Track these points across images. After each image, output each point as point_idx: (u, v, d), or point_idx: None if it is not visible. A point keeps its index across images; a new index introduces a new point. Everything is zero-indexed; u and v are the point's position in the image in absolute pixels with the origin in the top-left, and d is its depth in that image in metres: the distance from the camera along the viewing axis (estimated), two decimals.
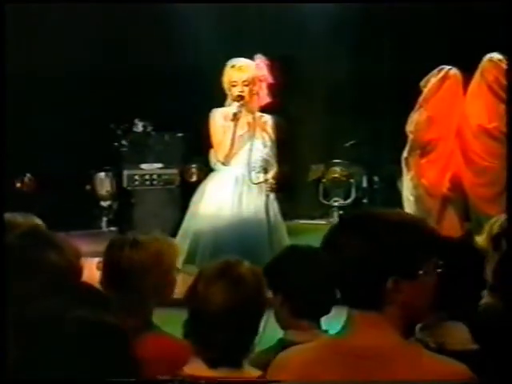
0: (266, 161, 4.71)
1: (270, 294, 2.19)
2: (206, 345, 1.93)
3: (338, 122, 7.76)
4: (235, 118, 4.56)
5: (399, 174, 5.83)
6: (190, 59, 7.09)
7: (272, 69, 4.76)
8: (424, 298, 1.59)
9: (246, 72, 4.62)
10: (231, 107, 4.62)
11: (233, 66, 4.65)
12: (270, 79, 4.75)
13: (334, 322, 2.04)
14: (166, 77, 7.14)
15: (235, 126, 4.59)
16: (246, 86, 4.61)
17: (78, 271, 2.07)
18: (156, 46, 7.04)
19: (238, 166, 4.66)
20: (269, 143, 4.73)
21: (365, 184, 7.56)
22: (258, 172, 4.68)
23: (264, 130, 4.74)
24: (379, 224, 1.58)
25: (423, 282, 1.57)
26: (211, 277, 1.98)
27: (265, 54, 4.78)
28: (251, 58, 4.75)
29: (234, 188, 4.64)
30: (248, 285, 1.97)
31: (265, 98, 4.75)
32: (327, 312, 2.29)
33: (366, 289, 1.56)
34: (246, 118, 4.65)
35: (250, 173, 4.60)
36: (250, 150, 4.59)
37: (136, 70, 7.03)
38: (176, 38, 7.10)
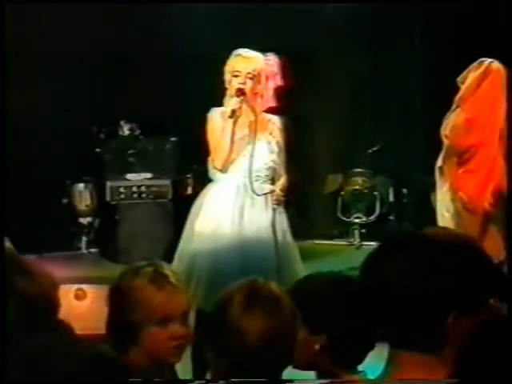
0: (272, 169, 4.69)
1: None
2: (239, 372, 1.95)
3: (358, 124, 7.78)
4: (233, 115, 4.54)
5: (432, 186, 5.81)
6: (186, 50, 7.11)
7: (284, 69, 4.76)
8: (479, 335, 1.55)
9: (252, 63, 4.62)
10: (230, 103, 4.62)
11: (239, 55, 4.65)
12: (279, 80, 4.74)
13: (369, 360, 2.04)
14: (157, 71, 7.16)
15: (234, 125, 4.58)
16: (250, 79, 4.60)
17: (55, 304, 2.06)
18: (145, 33, 7.07)
19: (239, 174, 4.65)
20: (276, 149, 4.71)
21: (391, 197, 7.57)
22: (263, 182, 4.66)
23: (271, 132, 4.73)
24: (436, 247, 1.54)
25: (482, 316, 1.55)
26: (243, 302, 2.00)
27: (276, 52, 4.78)
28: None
29: (234, 201, 4.61)
30: (285, 308, 1.99)
31: (269, 101, 4.74)
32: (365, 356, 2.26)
33: (419, 328, 1.52)
34: (247, 117, 4.64)
35: (252, 183, 4.59)
36: (252, 155, 4.58)
37: (121, 62, 7.04)
38: (169, 25, 7.13)
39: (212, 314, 2.04)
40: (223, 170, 4.63)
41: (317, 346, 2.23)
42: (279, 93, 4.76)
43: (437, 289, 1.51)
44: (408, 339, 1.54)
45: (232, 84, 4.61)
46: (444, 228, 1.66)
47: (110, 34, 6.92)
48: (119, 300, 2.38)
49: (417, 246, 1.55)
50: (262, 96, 4.68)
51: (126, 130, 7.05)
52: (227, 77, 4.65)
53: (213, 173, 4.75)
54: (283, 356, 2.00)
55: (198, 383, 1.93)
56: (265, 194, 4.61)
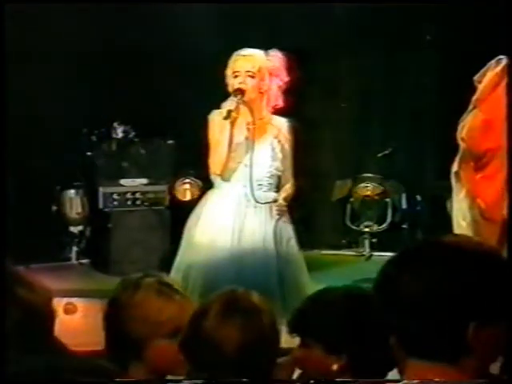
0: (275, 177, 4.69)
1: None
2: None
3: (369, 126, 7.77)
4: (229, 115, 4.54)
5: (448, 193, 5.80)
6: (185, 50, 7.10)
7: (289, 65, 4.75)
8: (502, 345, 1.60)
9: (252, 61, 4.63)
10: (226, 104, 4.62)
11: (238, 55, 4.68)
12: (284, 77, 4.74)
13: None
14: (153, 70, 7.15)
15: (232, 128, 4.58)
16: (251, 77, 4.60)
17: (50, 318, 2.05)
18: (141, 30, 7.08)
19: (240, 183, 4.64)
20: (280, 155, 4.71)
21: (404, 205, 7.55)
22: (267, 190, 4.66)
23: (276, 136, 4.72)
24: (456, 255, 1.58)
25: (504, 326, 1.58)
26: (220, 312, 2.01)
27: (280, 48, 4.79)
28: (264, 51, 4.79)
29: (235, 210, 4.62)
30: (265, 320, 2.00)
31: (275, 101, 4.74)
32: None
33: (438, 339, 1.56)
34: (247, 119, 4.64)
35: (253, 191, 4.58)
36: (251, 164, 4.57)
37: (115, 60, 7.04)
38: (166, 24, 7.13)
39: (188, 325, 2.04)
40: (224, 177, 4.63)
41: (335, 366, 2.23)
42: (285, 90, 4.76)
43: (457, 298, 1.55)
44: (427, 349, 1.57)
45: (232, 85, 4.62)
46: (463, 235, 1.70)
47: (104, 33, 6.94)
48: (119, 315, 2.37)
49: (436, 254, 1.59)
50: (267, 95, 4.68)
51: (119, 132, 7.03)
52: (229, 79, 4.66)
53: (212, 178, 4.75)
54: (261, 369, 1.98)
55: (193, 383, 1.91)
56: (267, 202, 4.60)
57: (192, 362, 2.00)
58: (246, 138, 4.63)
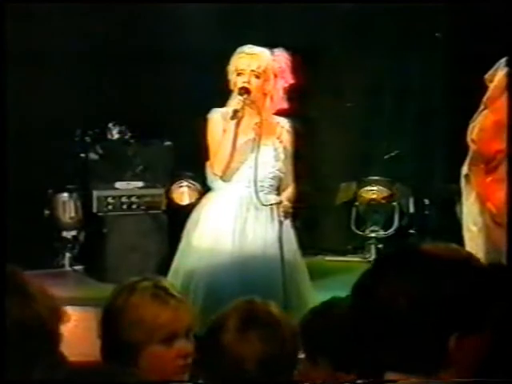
0: (277, 178, 4.69)
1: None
2: None
3: (375, 127, 7.78)
4: (235, 115, 4.54)
5: (457, 196, 5.80)
6: (183, 47, 7.11)
7: (294, 66, 4.75)
8: (485, 354, 1.59)
9: (257, 59, 4.63)
10: (232, 103, 4.62)
11: (242, 52, 4.67)
12: (290, 78, 4.74)
13: None
14: (150, 68, 7.16)
15: (236, 128, 4.59)
16: (256, 77, 4.60)
17: (55, 330, 2.05)
18: (138, 28, 7.10)
19: (241, 183, 4.65)
20: (282, 155, 4.71)
21: (412, 209, 7.56)
22: (268, 193, 4.66)
23: (278, 137, 4.73)
24: (438, 262, 1.57)
25: (488, 335, 1.57)
26: (238, 324, 2.02)
27: (285, 47, 4.79)
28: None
29: (236, 213, 4.62)
30: (286, 331, 2.02)
31: (279, 103, 4.74)
32: None
33: (417, 352, 1.55)
34: (252, 120, 4.64)
35: (258, 193, 4.59)
36: (257, 162, 4.58)
37: (110, 58, 7.05)
38: (164, 21, 7.14)
39: (205, 338, 2.04)
40: (225, 179, 4.63)
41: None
42: (290, 92, 4.76)
43: (438, 308, 1.54)
44: (405, 362, 1.56)
45: (236, 84, 4.62)
46: (442, 244, 1.69)
47: (99, 30, 6.96)
48: (114, 320, 2.38)
49: (420, 261, 1.58)
50: (271, 97, 4.68)
51: (115, 133, 7.05)
52: (231, 77, 4.66)
53: (211, 180, 4.75)
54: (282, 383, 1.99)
55: None
56: (271, 204, 4.61)
57: (209, 376, 2.00)
58: (250, 139, 4.63)
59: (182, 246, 4.76)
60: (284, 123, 4.76)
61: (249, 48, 4.67)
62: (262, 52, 4.67)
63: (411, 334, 1.54)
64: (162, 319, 2.32)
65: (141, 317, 2.33)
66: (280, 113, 4.78)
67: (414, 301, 1.54)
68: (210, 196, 4.79)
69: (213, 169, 4.66)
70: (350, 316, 1.66)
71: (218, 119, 4.67)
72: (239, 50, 4.68)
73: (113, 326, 2.38)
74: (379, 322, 1.57)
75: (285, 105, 4.74)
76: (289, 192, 4.73)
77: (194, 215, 4.78)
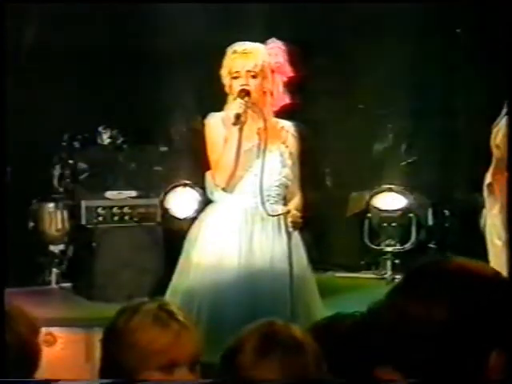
0: (284, 186, 4.69)
1: None
2: None
3: (389, 130, 7.78)
4: (238, 120, 4.53)
5: (480, 207, 5.80)
6: (178, 47, 7.14)
7: (292, 58, 4.75)
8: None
9: (252, 58, 4.61)
10: (232, 107, 4.62)
11: (234, 52, 4.64)
12: (289, 71, 4.74)
13: None
14: (143, 69, 7.18)
15: (240, 134, 4.58)
16: (253, 77, 4.60)
17: (34, 355, 2.05)
18: (128, 25, 7.12)
19: (246, 193, 4.64)
20: (289, 161, 4.71)
21: (430, 221, 7.56)
22: (275, 202, 4.66)
23: (283, 141, 4.73)
24: (473, 277, 1.61)
25: None
26: (257, 347, 2.02)
27: (281, 38, 4.79)
28: (262, 42, 4.75)
29: (241, 226, 4.61)
30: (309, 355, 2.02)
31: (281, 99, 4.73)
32: None
33: (456, 369, 1.57)
34: (255, 124, 4.63)
35: (264, 202, 4.59)
36: (263, 170, 4.58)
37: (101, 58, 7.07)
38: (158, 20, 7.16)
39: (220, 363, 2.05)
40: (228, 190, 4.62)
41: None
42: (291, 87, 4.75)
43: (479, 324, 1.57)
44: (436, 380, 1.59)
45: (233, 87, 4.61)
46: (463, 259, 1.73)
47: (88, 30, 7.00)
48: (113, 341, 2.39)
49: (449, 277, 1.61)
50: (271, 94, 4.68)
51: (105, 137, 7.07)
52: (226, 80, 4.65)
53: (212, 191, 4.75)
54: None
55: None
56: (279, 214, 4.60)
57: None
58: (255, 145, 4.63)
59: (181, 262, 4.75)
60: (289, 127, 4.76)
61: (241, 46, 4.64)
62: (256, 49, 4.65)
63: (451, 352, 1.57)
64: (159, 344, 2.32)
65: (137, 340, 2.34)
66: (283, 111, 4.77)
67: (455, 318, 1.56)
68: (211, 208, 4.78)
69: (215, 180, 4.65)
70: (377, 335, 1.68)
71: (216, 124, 4.66)
72: (231, 49, 4.66)
73: (111, 347, 2.40)
74: (413, 341, 1.59)
75: (287, 100, 4.74)
76: (296, 201, 4.73)
77: (194, 229, 4.77)
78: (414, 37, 7.53)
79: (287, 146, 4.72)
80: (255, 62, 4.59)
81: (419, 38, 7.52)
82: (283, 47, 4.74)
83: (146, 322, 2.36)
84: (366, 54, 7.56)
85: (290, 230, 4.61)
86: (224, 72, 4.65)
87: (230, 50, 4.65)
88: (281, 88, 4.71)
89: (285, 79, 4.74)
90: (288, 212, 4.62)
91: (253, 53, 4.62)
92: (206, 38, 6.88)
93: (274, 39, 4.75)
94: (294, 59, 4.75)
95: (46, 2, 6.63)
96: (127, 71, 7.11)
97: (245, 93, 4.55)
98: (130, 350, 2.33)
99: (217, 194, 4.71)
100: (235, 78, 4.59)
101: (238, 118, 4.52)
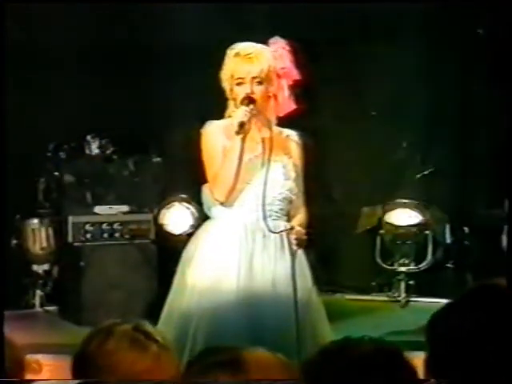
0: (287, 200, 4.68)
1: None
2: None
3: (403, 139, 7.77)
4: (242, 130, 4.51)
5: (502, 224, 5.79)
6: (173, 47, 7.15)
7: (297, 59, 4.74)
8: None
9: (257, 63, 4.59)
10: (236, 114, 4.60)
11: (237, 55, 4.63)
12: (295, 74, 4.73)
13: None
14: (135, 72, 7.18)
15: (242, 144, 4.57)
16: (259, 84, 4.59)
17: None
18: (119, 27, 7.15)
19: (246, 208, 4.63)
20: (292, 173, 4.70)
21: (448, 238, 7.55)
22: (278, 218, 4.65)
23: (287, 152, 4.72)
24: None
25: None
26: None
27: (285, 36, 4.77)
28: (265, 42, 4.73)
29: (241, 244, 4.60)
30: None
31: (287, 104, 4.71)
32: None
33: None
34: (258, 133, 4.63)
35: (266, 218, 4.57)
36: (266, 183, 4.57)
37: (88, 60, 7.09)
38: (152, 22, 7.20)
39: None
40: (227, 204, 4.61)
41: None
42: (297, 90, 4.73)
43: None
44: None
45: (235, 92, 4.60)
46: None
47: (76, 32, 7.04)
48: (85, 367, 2.40)
49: (499, 299, 1.76)
50: (276, 99, 4.67)
51: (94, 147, 7.06)
52: (226, 84, 4.63)
53: (209, 206, 4.73)
54: None
55: None
56: (282, 231, 4.59)
57: None
58: (257, 155, 4.62)
59: (176, 283, 4.74)
60: (293, 135, 4.75)
61: (244, 49, 4.61)
62: (261, 52, 4.63)
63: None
64: (139, 367, 2.35)
65: (115, 364, 2.36)
66: (289, 117, 4.75)
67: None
68: (208, 224, 4.77)
69: (213, 194, 4.64)
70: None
71: (215, 133, 4.64)
72: (232, 50, 4.64)
73: (84, 374, 2.40)
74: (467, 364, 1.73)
75: (293, 106, 4.72)
76: (301, 216, 4.71)
77: (190, 246, 4.76)
78: (431, 41, 7.54)
79: (291, 157, 4.71)
80: (261, 67, 4.57)
81: (435, 42, 7.53)
82: (287, 47, 4.72)
83: (122, 345, 2.38)
84: (380, 54, 7.58)
85: (294, 248, 4.59)
86: (224, 75, 4.63)
87: (230, 52, 4.62)
88: (286, 92, 4.70)
89: (290, 82, 4.73)
90: (292, 229, 4.61)
91: (257, 57, 4.60)
92: (204, 39, 6.89)
93: (277, 38, 4.73)
94: (299, 61, 4.74)
95: (45, 2, 6.67)
96: (117, 74, 7.14)
97: (249, 100, 4.54)
98: (107, 375, 2.33)
99: (215, 210, 4.70)
100: (239, 84, 4.58)
101: (241, 127, 4.50)
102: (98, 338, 2.42)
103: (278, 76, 4.67)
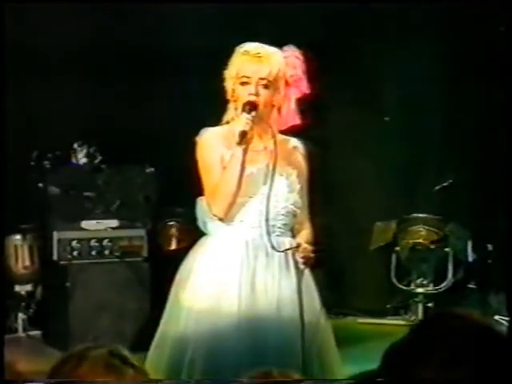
0: (291, 215, 4.65)
1: None
2: None
3: (419, 149, 7.80)
4: (243, 140, 4.49)
5: None
6: (169, 51, 7.21)
7: (310, 71, 4.69)
8: None
9: (267, 64, 4.57)
10: (236, 122, 4.57)
11: (246, 52, 4.60)
12: (305, 87, 4.69)
13: None
14: (127, 77, 7.23)
15: (244, 155, 4.54)
16: (265, 87, 4.56)
17: None
18: (113, 32, 7.20)
19: (247, 224, 4.59)
20: (297, 185, 4.68)
21: (470, 256, 7.56)
22: (281, 234, 4.62)
23: (291, 163, 4.69)
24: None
25: None
26: None
27: (297, 45, 4.73)
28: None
29: (242, 262, 4.57)
30: None
31: (291, 118, 4.70)
32: None
33: None
34: (260, 142, 4.61)
35: (270, 234, 4.53)
36: (269, 196, 4.53)
37: (77, 62, 7.13)
38: (147, 24, 7.27)
39: None
40: (226, 220, 4.58)
41: None
42: (304, 104, 4.70)
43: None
44: None
45: (238, 94, 4.56)
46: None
47: (64, 34, 7.11)
48: None
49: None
50: (279, 110, 4.64)
51: (81, 156, 7.07)
52: (229, 84, 4.60)
53: (205, 222, 4.70)
54: None
55: None
56: (287, 249, 4.55)
57: None
58: (261, 168, 4.59)
59: (170, 305, 4.70)
60: (297, 144, 4.73)
61: (255, 48, 4.59)
62: (273, 54, 4.62)
63: None
64: None
65: None
66: (292, 131, 4.73)
67: None
68: (205, 241, 4.74)
69: (211, 209, 4.60)
70: None
71: (211, 142, 4.61)
72: (242, 47, 4.62)
73: None
74: None
75: (297, 120, 4.70)
76: (307, 232, 4.68)
77: (185, 265, 4.73)
78: (446, 47, 7.60)
79: (295, 168, 4.69)
80: (270, 68, 4.55)
81: (451, 48, 7.58)
82: (301, 57, 4.70)
83: (97, 370, 2.39)
84: (392, 59, 7.65)
85: (301, 267, 4.55)
86: (229, 73, 4.60)
87: (239, 50, 4.60)
88: (292, 105, 4.68)
89: (299, 95, 4.70)
90: (298, 246, 4.58)
91: (268, 58, 4.57)
92: (203, 42, 6.96)
93: (291, 46, 4.70)
94: (312, 73, 4.70)
95: (45, 2, 6.76)
96: (107, 79, 7.19)
97: (251, 106, 4.50)
98: None
99: (211, 225, 4.67)
100: (244, 83, 4.55)
101: (243, 137, 4.46)
102: (70, 363, 2.42)
103: (287, 84, 4.64)
